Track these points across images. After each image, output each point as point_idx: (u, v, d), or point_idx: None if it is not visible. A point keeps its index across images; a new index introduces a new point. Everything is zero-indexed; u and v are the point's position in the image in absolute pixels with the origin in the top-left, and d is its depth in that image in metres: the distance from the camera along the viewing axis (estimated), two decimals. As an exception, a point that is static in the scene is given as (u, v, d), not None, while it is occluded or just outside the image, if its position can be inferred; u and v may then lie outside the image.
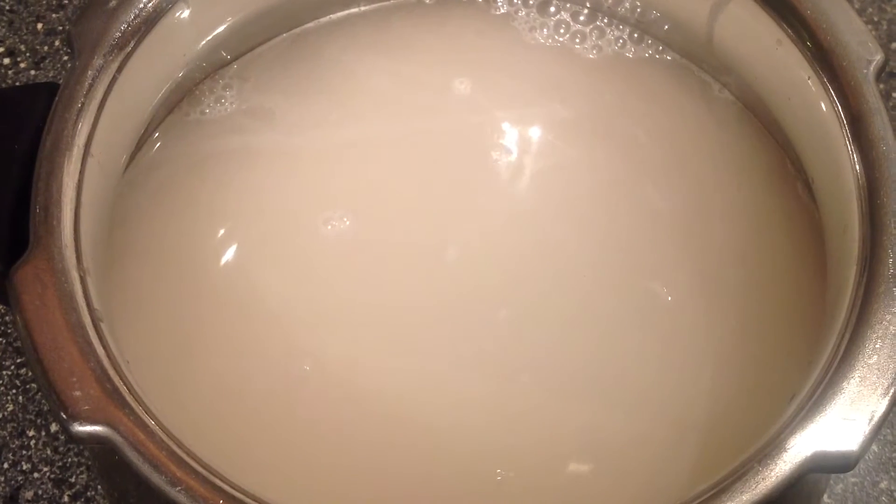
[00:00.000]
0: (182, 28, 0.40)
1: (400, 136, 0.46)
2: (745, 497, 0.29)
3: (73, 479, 0.47)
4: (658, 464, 0.38)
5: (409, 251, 0.43)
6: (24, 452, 0.47)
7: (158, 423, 0.31)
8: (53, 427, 0.48)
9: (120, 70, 0.37)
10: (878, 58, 0.36)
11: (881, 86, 0.55)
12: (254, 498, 0.30)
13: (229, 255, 0.42)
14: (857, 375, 0.31)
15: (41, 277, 0.32)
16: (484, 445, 0.39)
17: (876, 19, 0.59)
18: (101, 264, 0.36)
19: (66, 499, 0.46)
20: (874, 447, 0.48)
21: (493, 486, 0.38)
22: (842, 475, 0.47)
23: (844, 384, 0.31)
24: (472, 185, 0.45)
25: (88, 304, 0.32)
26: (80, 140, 0.35)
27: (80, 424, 0.30)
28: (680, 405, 0.39)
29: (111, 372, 0.31)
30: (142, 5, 0.37)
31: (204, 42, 0.42)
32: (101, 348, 0.32)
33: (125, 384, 0.31)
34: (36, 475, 0.47)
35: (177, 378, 0.38)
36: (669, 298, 0.41)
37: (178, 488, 0.29)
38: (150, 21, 0.38)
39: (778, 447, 0.30)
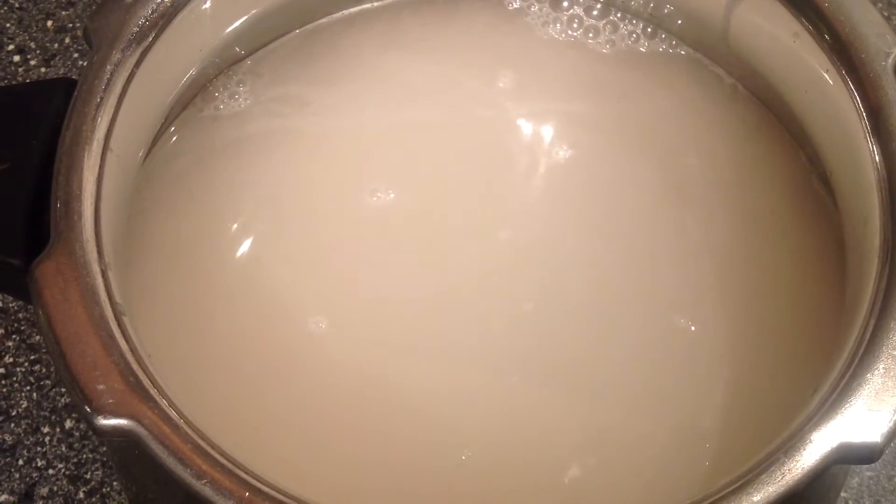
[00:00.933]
0: (199, 22, 0.39)
1: (413, 131, 0.46)
2: (771, 489, 0.30)
3: (88, 476, 0.47)
4: (676, 459, 0.38)
5: (425, 246, 0.43)
6: (38, 449, 0.47)
7: (182, 416, 0.31)
8: (68, 423, 0.48)
9: (138, 65, 0.37)
10: (897, 50, 0.36)
11: None
12: (278, 490, 0.30)
13: (245, 247, 0.42)
14: (881, 366, 0.31)
15: (63, 272, 0.32)
16: (490, 440, 0.39)
17: (886, 14, 0.59)
18: (120, 258, 0.35)
19: (81, 495, 0.46)
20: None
21: (496, 482, 0.38)
22: (858, 469, 0.47)
23: (868, 375, 0.31)
24: (488, 179, 0.45)
25: (110, 298, 0.32)
26: (100, 134, 0.35)
27: (105, 418, 0.30)
28: (701, 401, 0.39)
29: (134, 366, 0.31)
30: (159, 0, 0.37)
31: (220, 37, 0.42)
32: (124, 342, 0.32)
33: (148, 377, 0.31)
34: (51, 472, 0.47)
35: (196, 371, 0.38)
36: (688, 295, 0.41)
37: (204, 481, 0.29)
38: (167, 15, 0.38)
39: (803, 439, 0.30)
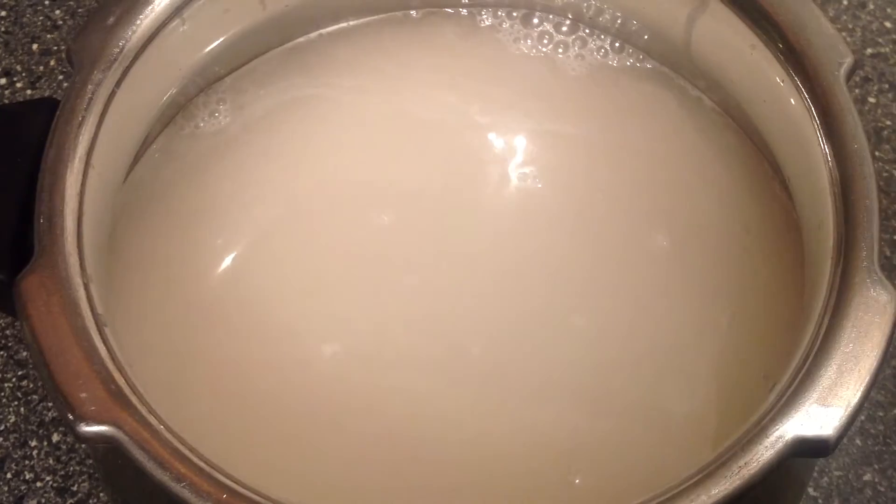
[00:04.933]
0: (178, 44, 0.41)
1: (389, 147, 0.47)
2: (729, 482, 0.31)
3: (75, 488, 0.48)
4: (643, 458, 0.40)
5: (402, 260, 0.44)
6: (26, 462, 0.48)
7: (162, 422, 0.32)
8: (55, 437, 0.49)
9: (119, 84, 0.38)
10: (849, 59, 0.37)
11: (856, 90, 0.57)
12: (255, 492, 0.31)
13: (226, 262, 0.43)
14: (834, 364, 0.32)
15: (46, 285, 0.33)
16: (477, 452, 0.40)
17: (850, 26, 0.60)
18: (102, 272, 0.37)
19: (68, 507, 0.47)
20: (857, 440, 0.49)
21: (488, 493, 0.39)
22: (827, 468, 0.48)
23: (822, 372, 0.32)
24: (460, 194, 0.46)
25: (92, 310, 0.33)
26: (81, 152, 0.36)
27: (87, 425, 0.31)
28: (664, 399, 0.40)
29: (115, 374, 0.32)
30: (139, 22, 0.39)
31: (199, 57, 0.43)
32: (106, 351, 0.33)
33: (129, 385, 0.32)
34: (39, 485, 0.48)
35: (177, 381, 0.40)
36: (654, 297, 0.42)
37: (183, 484, 0.30)
38: (147, 37, 0.39)
39: (759, 433, 0.31)
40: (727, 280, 0.43)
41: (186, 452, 0.31)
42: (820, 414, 0.31)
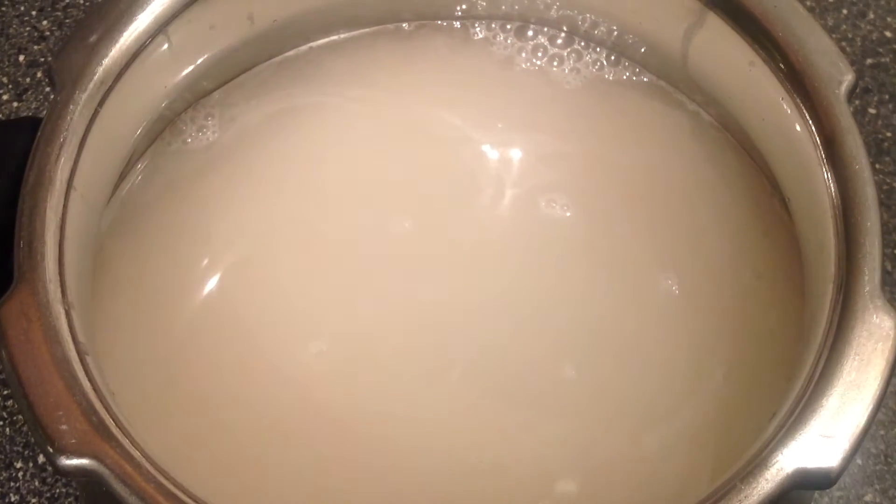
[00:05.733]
0: (163, 61, 0.40)
1: (380, 163, 0.46)
2: (729, 515, 0.30)
3: (61, 511, 0.47)
4: (642, 482, 0.39)
5: (394, 274, 0.44)
6: (11, 484, 0.47)
7: (145, 454, 0.31)
8: (41, 458, 0.48)
9: (101, 104, 0.37)
10: (849, 77, 0.36)
11: (857, 101, 0.56)
12: (242, 528, 0.30)
13: (212, 283, 0.43)
14: (836, 392, 0.31)
15: (26, 312, 0.32)
16: (470, 464, 0.39)
17: (850, 36, 0.59)
18: (85, 297, 0.36)
19: (54, 530, 0.46)
20: (858, 460, 0.48)
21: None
22: (828, 489, 0.47)
23: (824, 401, 0.31)
24: (452, 206, 0.45)
25: (73, 338, 0.33)
26: (63, 175, 0.35)
27: (67, 458, 0.30)
28: (665, 424, 0.39)
29: (97, 405, 0.31)
30: (122, 39, 0.38)
31: (185, 73, 0.42)
32: (87, 381, 0.32)
33: (111, 416, 0.31)
34: (24, 507, 0.47)
35: (161, 408, 0.39)
36: (653, 319, 0.42)
37: (166, 520, 0.30)
38: (130, 55, 0.38)
39: (760, 465, 0.31)
40: (722, 300, 0.42)
41: (169, 486, 0.30)
42: (822, 445, 0.31)
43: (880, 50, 0.59)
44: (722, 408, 0.39)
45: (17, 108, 0.57)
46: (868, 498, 0.47)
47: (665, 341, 0.41)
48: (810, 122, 0.37)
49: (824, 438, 0.31)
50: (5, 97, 0.57)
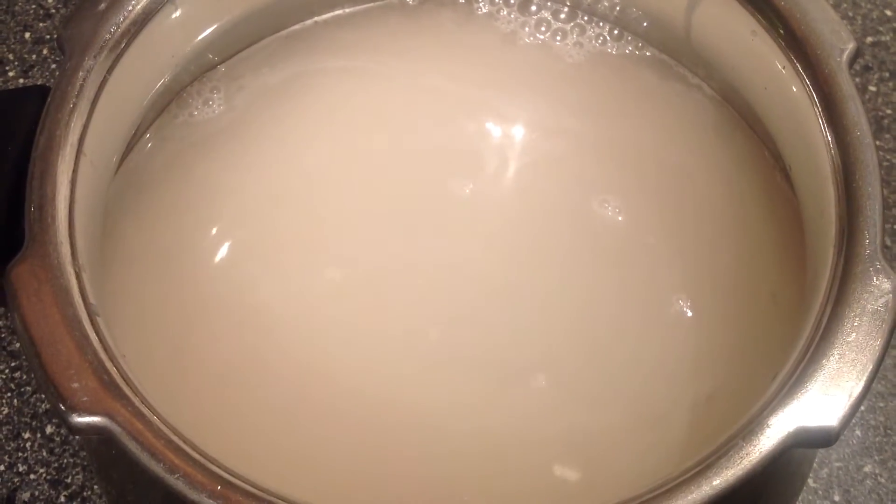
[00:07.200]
0: (171, 30, 0.40)
1: (384, 134, 0.47)
2: (731, 472, 0.30)
3: (69, 480, 0.47)
4: (645, 451, 0.39)
5: (399, 252, 0.44)
6: (20, 454, 0.48)
7: (155, 413, 0.31)
8: (49, 429, 0.48)
9: (110, 71, 0.37)
10: (851, 46, 0.37)
11: (857, 79, 0.57)
12: (250, 483, 0.30)
13: (220, 252, 0.43)
14: (836, 353, 0.32)
15: (37, 274, 0.33)
16: (475, 445, 0.40)
17: (851, 14, 0.60)
18: (95, 261, 0.36)
19: (62, 499, 0.47)
20: (858, 431, 0.49)
21: (483, 486, 0.39)
22: (827, 459, 0.48)
23: (824, 361, 0.32)
24: (456, 181, 0.46)
25: (84, 300, 0.33)
26: (73, 139, 0.35)
27: (79, 416, 0.31)
28: (667, 388, 0.40)
29: (108, 364, 0.32)
30: (130, 7, 0.38)
31: (192, 44, 0.42)
32: (98, 342, 0.32)
33: (122, 376, 0.32)
34: (32, 477, 0.47)
35: (171, 372, 0.39)
36: (655, 291, 0.42)
37: (177, 475, 0.30)
38: (139, 23, 0.38)
39: (761, 424, 0.31)
40: (725, 268, 0.42)
41: (180, 443, 0.31)
42: (823, 403, 0.31)
43: (881, 28, 0.60)
44: (724, 371, 0.39)
45: (23, 84, 0.57)
46: (867, 469, 0.48)
47: (671, 316, 0.42)
48: (812, 89, 0.37)
49: (825, 397, 0.31)
50: (11, 73, 0.58)
